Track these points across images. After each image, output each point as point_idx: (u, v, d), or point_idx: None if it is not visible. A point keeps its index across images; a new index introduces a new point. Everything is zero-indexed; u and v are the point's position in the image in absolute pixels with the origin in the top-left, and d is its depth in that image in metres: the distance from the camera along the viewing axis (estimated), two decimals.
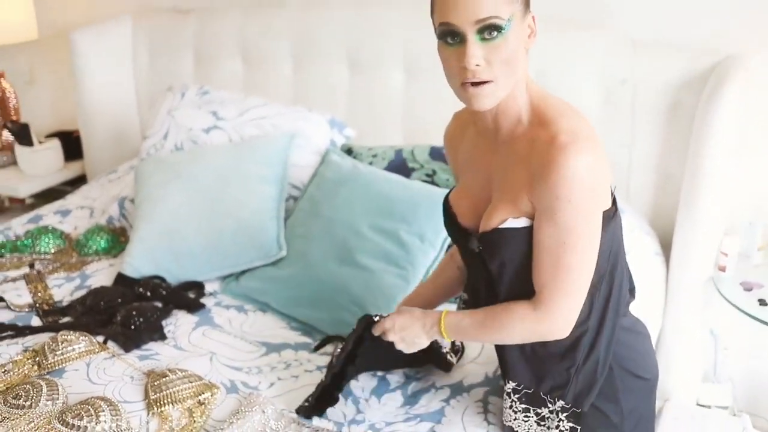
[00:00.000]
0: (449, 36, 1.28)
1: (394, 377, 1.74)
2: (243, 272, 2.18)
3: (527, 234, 1.36)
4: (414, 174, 2.22)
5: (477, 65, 1.27)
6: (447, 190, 2.08)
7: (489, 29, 1.25)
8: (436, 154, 2.25)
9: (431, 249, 1.99)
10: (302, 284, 2.03)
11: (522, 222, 1.36)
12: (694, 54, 2.27)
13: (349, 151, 2.42)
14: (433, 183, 2.18)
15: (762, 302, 2.04)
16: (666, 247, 2.31)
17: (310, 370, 1.78)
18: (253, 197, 2.23)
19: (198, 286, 2.14)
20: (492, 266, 1.42)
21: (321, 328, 1.93)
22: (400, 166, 2.26)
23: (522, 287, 1.41)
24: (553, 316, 1.37)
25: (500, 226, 1.37)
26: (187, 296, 2.08)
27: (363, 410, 1.64)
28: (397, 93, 2.66)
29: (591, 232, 1.34)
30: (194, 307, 2.04)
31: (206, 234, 2.17)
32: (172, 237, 2.18)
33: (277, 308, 2.03)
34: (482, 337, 1.48)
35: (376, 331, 1.53)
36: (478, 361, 1.79)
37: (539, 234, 1.34)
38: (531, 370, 1.48)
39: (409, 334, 1.50)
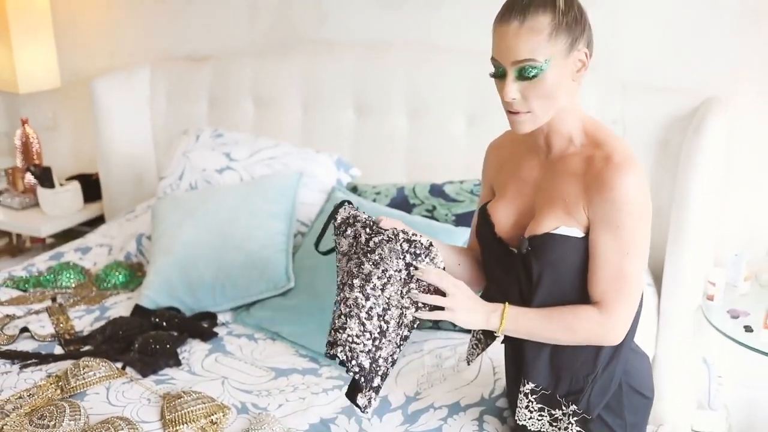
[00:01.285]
0: (495, 69, 1.44)
1: (395, 397, 1.84)
2: (254, 303, 2.30)
3: (577, 243, 1.47)
4: (415, 210, 2.34)
5: (513, 98, 1.41)
6: (446, 224, 2.21)
7: (525, 69, 1.39)
8: (435, 191, 2.37)
9: None
10: (310, 314, 2.14)
11: (575, 231, 1.46)
12: (680, 96, 2.41)
13: (354, 189, 2.55)
14: (432, 218, 2.30)
15: (747, 329, 2.13)
16: (657, 277, 2.41)
17: (317, 392, 1.88)
18: (263, 232, 2.36)
19: (211, 317, 2.26)
20: (535, 270, 1.49)
21: None
22: (402, 202, 2.38)
23: (558, 295, 1.50)
24: (616, 322, 1.47)
25: (552, 231, 1.47)
26: (201, 325, 2.20)
27: (366, 429, 1.74)
28: (401, 135, 2.79)
29: (646, 243, 1.47)
30: (207, 335, 2.15)
31: (219, 267, 2.30)
32: (187, 270, 2.31)
33: (287, 337, 2.14)
34: (543, 333, 1.48)
35: (443, 283, 1.46)
36: (475, 383, 1.89)
37: (600, 245, 1.44)
38: (552, 372, 1.56)
39: (474, 306, 1.47)
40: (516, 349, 1.61)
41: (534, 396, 1.57)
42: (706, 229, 2.26)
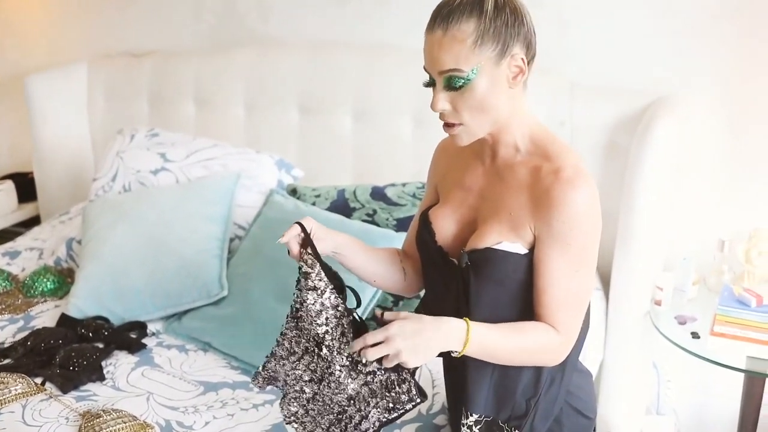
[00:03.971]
0: (427, 79, 1.38)
1: None
2: (186, 312, 2.20)
3: (519, 260, 1.37)
4: (355, 213, 2.26)
5: (442, 109, 1.35)
6: (386, 229, 2.13)
7: (452, 79, 1.32)
8: (377, 193, 2.29)
9: (368, 286, 2.01)
10: (242, 323, 2.05)
11: (517, 248, 1.37)
12: (629, 96, 2.35)
13: (293, 192, 2.45)
14: (373, 222, 2.21)
15: (695, 335, 2.08)
16: (606, 282, 2.36)
17: (246, 408, 1.79)
18: (197, 236, 2.25)
19: (141, 326, 2.15)
20: (473, 285, 1.40)
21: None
22: (342, 205, 2.29)
23: (497, 312, 1.39)
24: (569, 340, 1.39)
25: (494, 246, 1.38)
26: (129, 336, 2.09)
27: None
28: (347, 136, 2.70)
29: (595, 258, 1.39)
30: (135, 347, 2.05)
31: (150, 273, 2.19)
32: (117, 277, 2.20)
33: (218, 348, 2.05)
34: (506, 355, 1.36)
35: (376, 337, 1.27)
36: None
37: (549, 264, 1.35)
38: (494, 399, 1.47)
39: (422, 340, 1.27)
40: (456, 378, 1.52)
41: (477, 427, 1.48)
42: (654, 232, 2.21)
